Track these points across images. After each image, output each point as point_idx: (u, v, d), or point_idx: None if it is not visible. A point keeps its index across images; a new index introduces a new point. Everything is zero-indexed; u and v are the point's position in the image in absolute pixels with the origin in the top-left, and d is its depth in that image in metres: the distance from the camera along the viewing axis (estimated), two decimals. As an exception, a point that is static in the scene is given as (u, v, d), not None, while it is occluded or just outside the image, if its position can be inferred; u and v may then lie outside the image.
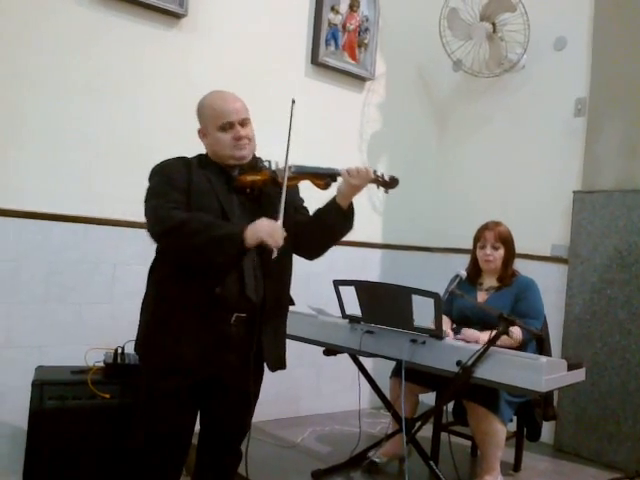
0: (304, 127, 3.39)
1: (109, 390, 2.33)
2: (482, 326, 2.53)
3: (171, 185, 1.84)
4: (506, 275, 2.76)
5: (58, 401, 2.26)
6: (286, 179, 1.86)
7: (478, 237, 2.81)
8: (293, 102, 1.92)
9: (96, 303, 2.82)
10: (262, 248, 1.78)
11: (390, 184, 1.98)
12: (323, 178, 1.94)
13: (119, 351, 2.45)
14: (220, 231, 1.75)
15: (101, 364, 2.45)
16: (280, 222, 1.78)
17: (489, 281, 2.80)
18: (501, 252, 2.75)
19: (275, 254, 1.73)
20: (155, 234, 1.80)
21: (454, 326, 2.77)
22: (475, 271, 2.83)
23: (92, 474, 2.30)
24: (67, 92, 2.73)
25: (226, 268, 1.79)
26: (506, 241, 2.77)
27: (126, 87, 2.88)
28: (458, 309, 2.79)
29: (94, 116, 2.79)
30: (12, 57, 2.59)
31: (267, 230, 1.73)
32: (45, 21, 2.66)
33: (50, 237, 2.70)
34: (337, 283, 2.52)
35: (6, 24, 2.57)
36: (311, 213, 2.04)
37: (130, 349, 2.10)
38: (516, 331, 2.47)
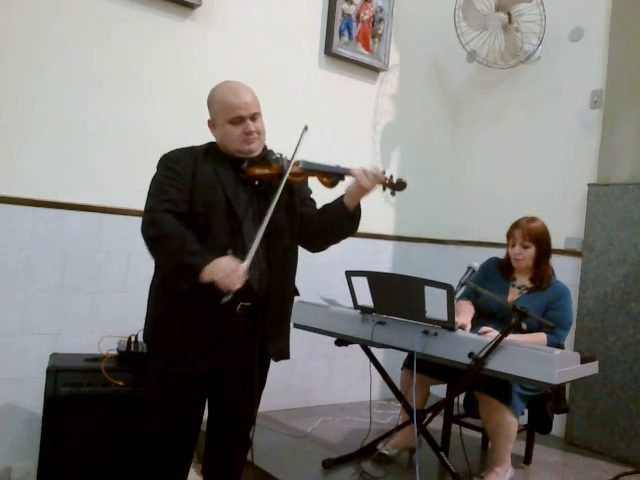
0: (318, 118, 3.43)
1: (122, 378, 2.36)
2: (506, 321, 2.50)
3: (172, 179, 1.84)
4: (540, 275, 2.69)
5: (72, 388, 2.30)
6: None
7: (508, 235, 2.75)
8: (305, 129, 1.91)
9: (110, 292, 2.84)
10: (269, 239, 1.84)
11: (398, 186, 1.97)
12: (330, 176, 1.93)
13: (132, 339, 2.47)
14: (188, 259, 1.75)
15: (115, 352, 2.47)
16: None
17: (522, 279, 2.76)
18: (531, 251, 2.67)
19: (227, 298, 1.69)
20: (142, 235, 1.84)
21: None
22: (508, 267, 2.79)
23: (105, 459, 2.33)
24: (83, 83, 2.74)
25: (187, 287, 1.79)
26: (537, 239, 2.67)
27: (140, 77, 2.89)
28: (484, 302, 2.74)
29: (109, 107, 2.81)
30: (28, 49, 2.61)
31: (221, 274, 1.69)
32: (59, 12, 2.67)
33: (65, 226, 2.72)
34: (349, 274, 2.51)
35: (20, 15, 2.59)
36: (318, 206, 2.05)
37: (143, 337, 2.12)
38: (541, 338, 2.49)
